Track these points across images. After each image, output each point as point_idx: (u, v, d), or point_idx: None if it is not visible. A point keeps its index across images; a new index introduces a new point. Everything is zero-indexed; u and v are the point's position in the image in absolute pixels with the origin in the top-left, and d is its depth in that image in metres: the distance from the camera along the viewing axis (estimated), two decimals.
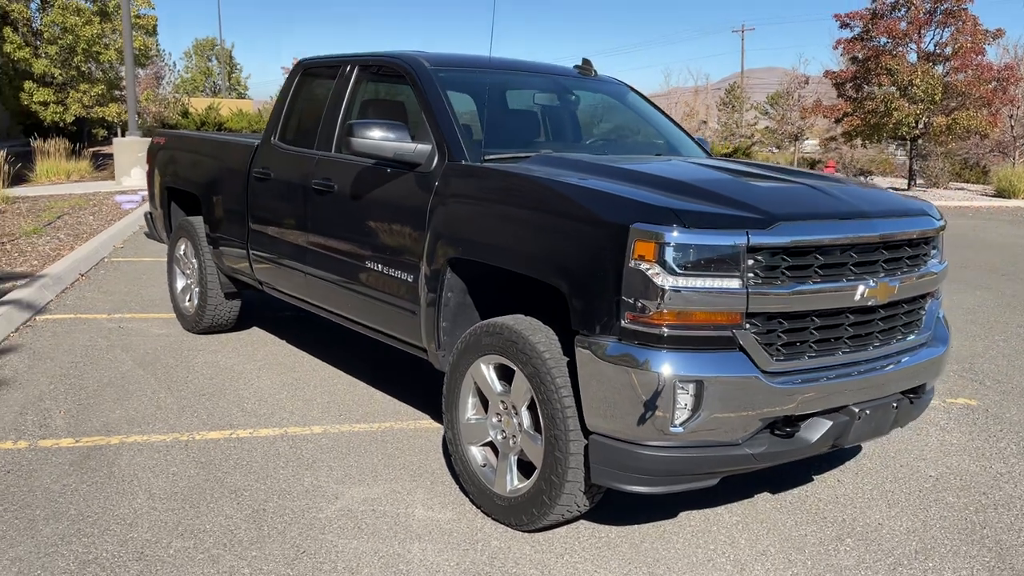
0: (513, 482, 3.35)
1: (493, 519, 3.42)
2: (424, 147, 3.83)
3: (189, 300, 6.08)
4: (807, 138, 32.62)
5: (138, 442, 4.10)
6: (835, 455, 4.29)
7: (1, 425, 4.23)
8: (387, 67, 4.45)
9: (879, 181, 26.64)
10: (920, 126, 20.93)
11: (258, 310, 6.49)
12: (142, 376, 5.07)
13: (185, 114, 32.41)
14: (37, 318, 6.33)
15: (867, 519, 3.60)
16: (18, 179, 15.40)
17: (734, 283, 2.85)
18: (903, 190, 23.15)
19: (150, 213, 6.78)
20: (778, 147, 39.31)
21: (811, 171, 3.95)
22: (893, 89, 19.86)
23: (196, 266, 5.87)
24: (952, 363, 6.02)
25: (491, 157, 3.77)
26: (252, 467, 3.85)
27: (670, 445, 2.89)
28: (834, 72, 22.71)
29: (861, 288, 3.10)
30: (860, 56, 21.42)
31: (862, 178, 22.72)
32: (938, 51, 21.21)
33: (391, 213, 3.97)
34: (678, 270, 2.81)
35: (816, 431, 3.07)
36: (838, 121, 22.70)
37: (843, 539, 3.42)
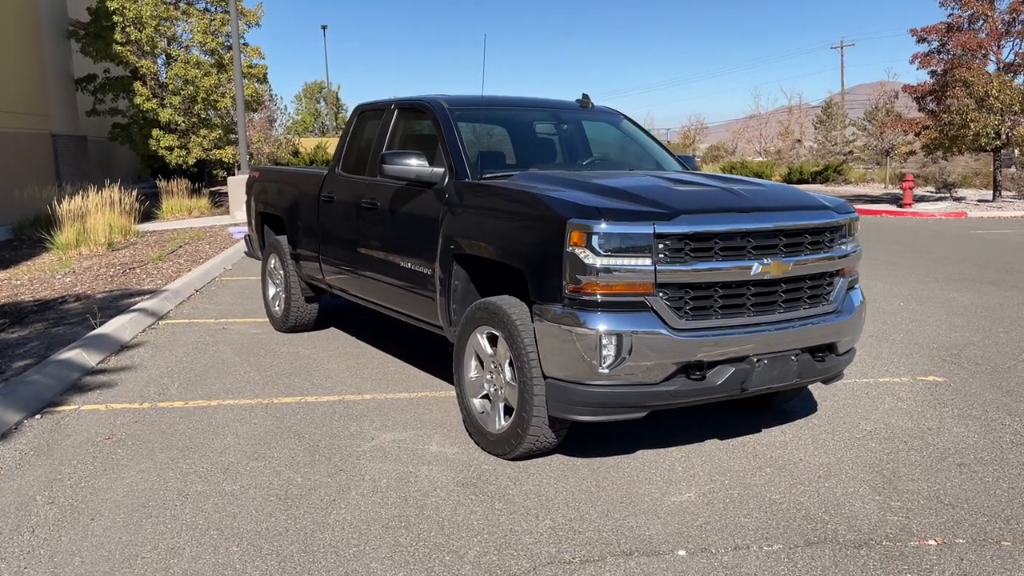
0: (500, 422, 4.38)
1: (487, 452, 4.45)
2: (439, 169, 4.95)
3: (278, 305, 7.38)
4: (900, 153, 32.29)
5: (231, 404, 5.33)
6: (787, 412, 5.13)
7: (131, 394, 5.55)
8: (417, 107, 5.61)
9: (965, 193, 26.27)
10: (1002, 137, 20.78)
11: (335, 315, 7.75)
12: (237, 362, 6.36)
13: (295, 153, 34.86)
14: (160, 322, 7.77)
15: (791, 456, 4.45)
16: (147, 216, 17.46)
17: (646, 261, 3.81)
18: (988, 201, 22.87)
19: (248, 236, 8.16)
20: (878, 163, 38.81)
21: (741, 178, 4.80)
22: (969, 101, 19.85)
23: (283, 276, 7.16)
24: (938, 349, 6.68)
25: (488, 175, 4.86)
26: (313, 420, 5.01)
27: (602, 383, 3.87)
28: (912, 86, 22.82)
29: (755, 266, 4.00)
30: (938, 70, 21.49)
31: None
32: (1020, 61, 21.06)
33: (415, 222, 5.10)
34: (602, 252, 3.79)
35: (722, 376, 3.98)
36: (917, 135, 22.75)
37: (763, 468, 4.29)
